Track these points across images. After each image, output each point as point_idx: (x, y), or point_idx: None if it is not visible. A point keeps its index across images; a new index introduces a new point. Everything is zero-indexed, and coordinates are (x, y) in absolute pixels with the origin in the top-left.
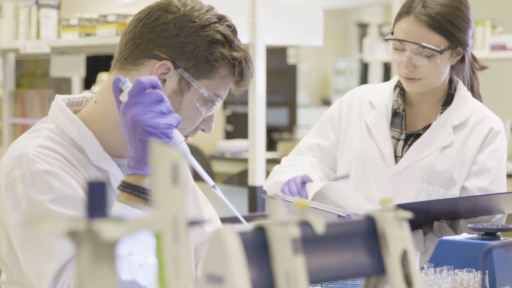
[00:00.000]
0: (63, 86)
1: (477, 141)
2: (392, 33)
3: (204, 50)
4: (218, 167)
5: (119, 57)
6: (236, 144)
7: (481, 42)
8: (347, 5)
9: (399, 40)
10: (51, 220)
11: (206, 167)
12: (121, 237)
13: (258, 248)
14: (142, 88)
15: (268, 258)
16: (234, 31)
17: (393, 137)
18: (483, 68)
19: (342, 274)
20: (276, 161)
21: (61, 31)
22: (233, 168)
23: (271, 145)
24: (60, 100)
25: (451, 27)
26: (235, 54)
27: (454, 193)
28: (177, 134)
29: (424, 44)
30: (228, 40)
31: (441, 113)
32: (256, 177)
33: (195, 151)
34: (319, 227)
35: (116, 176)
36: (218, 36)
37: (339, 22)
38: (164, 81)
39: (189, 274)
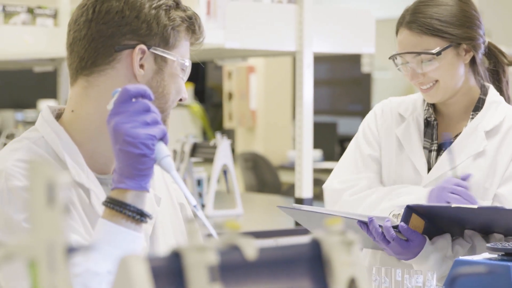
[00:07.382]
0: None
1: (510, 148)
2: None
3: (165, 20)
4: (286, 177)
5: (82, 64)
6: None
7: None
8: None
9: (397, 55)
10: None
11: (273, 177)
12: None
13: (172, 276)
14: (128, 97)
15: (184, 287)
16: None
17: (425, 148)
18: (511, 63)
19: None
20: None
21: None
22: None
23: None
24: (48, 110)
25: (441, 25)
26: (188, 13)
27: (486, 203)
28: (161, 148)
29: (418, 51)
30: (177, 3)
31: (472, 118)
32: (303, 189)
33: (262, 161)
34: (250, 252)
35: (98, 194)
36: (170, 2)
37: None
38: (142, 66)
39: None
